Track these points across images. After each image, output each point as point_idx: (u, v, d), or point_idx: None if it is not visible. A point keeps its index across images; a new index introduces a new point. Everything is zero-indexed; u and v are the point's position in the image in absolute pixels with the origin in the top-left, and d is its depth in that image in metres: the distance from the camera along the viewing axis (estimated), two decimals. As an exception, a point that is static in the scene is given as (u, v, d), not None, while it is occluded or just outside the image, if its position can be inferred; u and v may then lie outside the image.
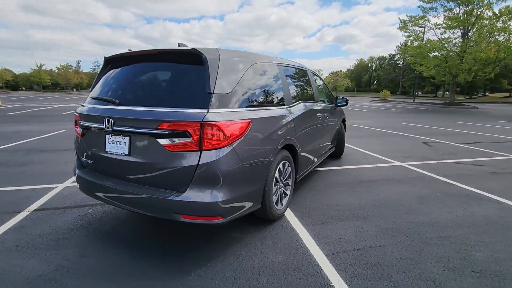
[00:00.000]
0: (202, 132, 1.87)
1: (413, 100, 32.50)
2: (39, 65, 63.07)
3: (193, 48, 2.07)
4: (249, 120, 2.17)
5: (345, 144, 6.38)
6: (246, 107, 2.25)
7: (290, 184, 3.00)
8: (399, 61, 56.62)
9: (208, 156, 1.89)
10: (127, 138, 2.09)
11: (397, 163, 4.99)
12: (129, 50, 2.41)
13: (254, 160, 2.21)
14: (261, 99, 2.50)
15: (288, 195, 2.98)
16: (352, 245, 2.35)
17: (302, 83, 3.65)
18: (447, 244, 2.39)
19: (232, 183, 2.02)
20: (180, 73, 2.13)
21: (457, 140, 7.55)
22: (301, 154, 3.19)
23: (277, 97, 2.79)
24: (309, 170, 3.75)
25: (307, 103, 3.49)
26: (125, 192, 2.09)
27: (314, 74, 4.32)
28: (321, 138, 4.02)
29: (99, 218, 2.79)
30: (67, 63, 71.36)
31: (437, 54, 24.60)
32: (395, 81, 65.74)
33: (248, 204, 2.26)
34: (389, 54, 68.34)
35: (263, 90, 2.57)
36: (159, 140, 1.94)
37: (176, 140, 1.90)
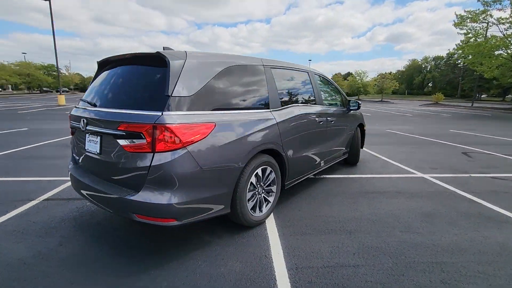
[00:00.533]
0: (154, 134, 1.89)
1: (472, 104, 29.03)
2: None
3: (157, 52, 2.11)
4: (213, 123, 2.14)
5: (369, 152, 5.97)
6: (212, 109, 2.21)
7: (274, 190, 2.88)
8: (458, 61, 51.07)
9: (160, 158, 1.91)
10: (99, 138, 2.22)
11: (419, 175, 4.49)
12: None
13: (219, 164, 2.17)
14: (234, 101, 2.44)
15: (271, 202, 2.87)
16: (322, 261, 2.17)
17: (299, 86, 3.49)
18: (437, 271, 2.07)
19: (188, 186, 2.01)
20: (145, 76, 2.19)
21: (509, 151, 6.53)
22: (292, 160, 3.05)
23: (258, 100, 2.70)
24: (307, 177, 3.57)
25: (304, 107, 3.33)
26: (98, 191, 2.20)
27: (321, 76, 4.11)
28: (327, 142, 3.81)
29: (92, 212, 3.00)
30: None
31: (502, 52, 21.62)
32: (453, 83, 59.59)
33: (215, 207, 2.23)
34: (446, 54, 62.08)
35: (238, 92, 2.51)
36: (118, 140, 2.02)
37: (133, 141, 1.95)
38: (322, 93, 3.94)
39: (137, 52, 2.23)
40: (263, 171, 2.69)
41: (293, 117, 3.07)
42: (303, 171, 3.39)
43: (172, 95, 2.00)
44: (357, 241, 2.48)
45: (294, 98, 3.28)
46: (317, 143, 3.60)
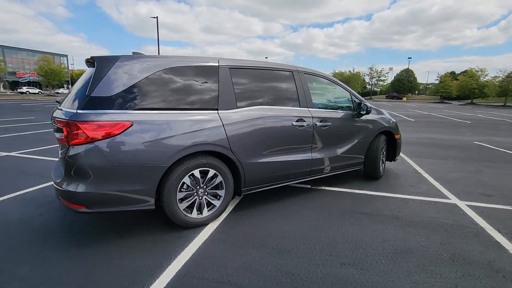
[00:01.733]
0: (68, 129, 2.14)
1: None
2: None
3: (91, 57, 2.36)
4: (129, 122, 2.25)
5: (413, 165, 5.05)
6: (135, 109, 2.32)
7: (222, 195, 2.79)
8: None
9: (71, 150, 2.15)
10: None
11: (452, 201, 3.48)
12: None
13: (135, 162, 2.26)
14: (167, 102, 2.47)
15: (217, 206, 2.78)
16: (214, 274, 2.00)
17: (273, 87, 3.22)
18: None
19: (96, 178, 2.18)
20: (87, 78, 2.46)
21: None
22: (253, 165, 2.87)
23: (201, 101, 2.65)
24: (288, 184, 3.29)
25: (276, 109, 3.08)
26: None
27: (319, 76, 3.68)
28: (318, 149, 3.43)
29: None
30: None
31: None
32: None
33: (135, 202, 2.34)
34: None
35: (174, 93, 2.53)
36: (56, 134, 2.36)
37: (60, 135, 2.25)
38: (314, 95, 3.53)
39: (92, 56, 2.53)
40: (204, 173, 2.64)
41: (254, 119, 2.88)
42: (274, 178, 3.14)
43: (91, 95, 2.21)
44: (277, 262, 2.16)
45: (261, 100, 3.06)
46: (298, 149, 3.26)
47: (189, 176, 2.55)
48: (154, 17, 24.66)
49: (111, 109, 2.24)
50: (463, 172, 4.78)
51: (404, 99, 53.03)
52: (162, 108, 2.45)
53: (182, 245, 2.38)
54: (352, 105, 3.90)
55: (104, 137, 2.17)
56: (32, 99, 31.12)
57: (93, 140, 2.14)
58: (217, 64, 2.80)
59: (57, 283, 1.89)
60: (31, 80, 64.18)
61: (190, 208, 2.64)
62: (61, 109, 2.39)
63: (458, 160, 5.70)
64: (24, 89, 50.63)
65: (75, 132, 2.12)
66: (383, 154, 4.34)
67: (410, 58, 66.70)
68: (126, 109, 2.29)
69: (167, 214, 2.52)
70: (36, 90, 53.20)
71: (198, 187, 2.65)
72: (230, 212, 3.06)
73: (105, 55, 2.44)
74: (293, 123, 3.16)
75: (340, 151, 3.70)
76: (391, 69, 73.84)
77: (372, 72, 63.50)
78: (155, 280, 1.93)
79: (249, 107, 2.91)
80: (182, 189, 2.55)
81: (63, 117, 2.21)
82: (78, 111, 2.17)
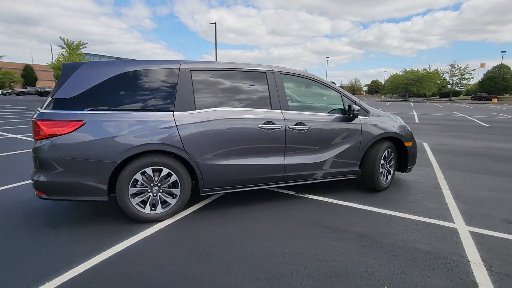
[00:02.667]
0: (33, 126, 2.50)
1: None
2: None
3: (63, 63, 2.70)
4: (82, 122, 2.50)
5: (440, 179, 4.36)
6: (89, 109, 2.57)
7: (177, 193, 2.87)
8: None
9: (35, 145, 2.50)
10: None
11: (454, 225, 2.86)
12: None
13: (85, 157, 2.51)
14: (121, 103, 2.66)
15: (172, 204, 2.88)
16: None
17: (240, 88, 3.13)
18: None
19: (51, 170, 2.49)
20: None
21: None
22: (212, 166, 2.89)
23: (156, 103, 2.76)
24: (259, 188, 3.21)
25: (240, 111, 3.02)
26: None
27: (301, 77, 3.43)
28: (295, 153, 3.24)
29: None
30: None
31: None
32: None
33: (88, 194, 2.59)
34: None
35: (129, 95, 2.70)
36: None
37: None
38: (298, 97, 3.34)
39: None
40: (157, 171, 2.76)
41: (213, 121, 2.88)
42: (238, 181, 3.08)
43: (54, 97, 2.54)
44: (196, 267, 2.13)
45: (225, 101, 3.02)
46: (267, 153, 3.13)
47: (141, 173, 2.71)
48: (213, 23, 26.31)
49: (68, 110, 2.53)
50: (502, 191, 3.86)
51: (494, 100, 44.61)
52: (116, 109, 2.65)
53: (124, 237, 2.54)
54: (342, 108, 3.54)
55: (59, 134, 2.47)
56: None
57: (50, 136, 2.46)
58: (178, 67, 2.88)
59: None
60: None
61: (144, 203, 2.79)
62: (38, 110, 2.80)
63: (510, 176, 4.62)
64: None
65: (37, 129, 2.47)
66: (388, 163, 3.82)
67: (505, 51, 55.32)
68: (82, 109, 2.56)
69: (121, 207, 2.72)
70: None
71: (152, 184, 2.78)
72: (193, 211, 3.12)
73: (71, 62, 2.76)
74: (259, 125, 3.04)
75: (323, 157, 3.39)
76: (482, 65, 62.96)
77: (453, 69, 55.35)
78: (73, 267, 2.11)
79: (209, 109, 2.91)
80: (136, 185, 2.71)
81: (32, 116, 2.59)
82: (41, 110, 2.52)
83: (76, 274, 2.03)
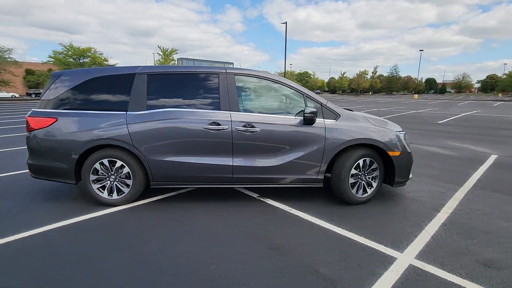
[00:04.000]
0: (26, 121, 3.27)
1: None
2: (342, 73, 78.90)
3: (52, 72, 3.41)
4: (54, 118, 3.13)
5: (452, 198, 3.67)
6: (63, 109, 3.17)
7: (130, 184, 3.25)
8: None
9: (27, 135, 3.26)
10: None
11: (399, 254, 2.35)
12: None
13: (56, 146, 3.14)
14: (88, 103, 3.18)
15: (125, 192, 3.27)
16: (55, 240, 2.56)
17: (190, 90, 3.28)
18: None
19: (35, 155, 3.20)
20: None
21: None
22: (159, 162, 3.17)
23: (115, 103, 3.18)
24: (208, 186, 3.35)
25: (185, 111, 3.18)
26: None
27: (259, 77, 3.33)
28: (243, 155, 3.21)
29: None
30: (365, 70, 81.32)
31: None
32: None
33: (61, 176, 3.23)
34: None
35: (94, 96, 3.20)
36: None
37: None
38: (245, 98, 3.29)
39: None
40: (111, 163, 3.20)
41: (160, 120, 3.14)
42: (186, 178, 3.26)
43: (41, 98, 3.26)
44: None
45: (175, 102, 3.23)
46: (213, 153, 3.20)
47: (99, 163, 3.20)
48: (283, 23, 26.47)
49: (47, 109, 3.21)
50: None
51: None
52: (82, 109, 3.20)
53: (70, 215, 3.05)
54: (303, 110, 3.27)
55: (39, 128, 3.16)
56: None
57: (33, 129, 3.18)
58: (134, 72, 3.26)
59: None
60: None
61: (103, 189, 3.28)
62: None
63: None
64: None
65: (27, 123, 3.23)
66: (367, 173, 3.34)
67: None
68: (56, 109, 3.20)
69: (85, 191, 3.28)
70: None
71: (109, 173, 3.25)
72: (152, 201, 3.45)
73: (58, 71, 3.45)
74: (204, 126, 3.14)
75: (278, 162, 3.24)
76: None
77: None
78: (43, 226, 2.71)
79: (159, 109, 3.18)
80: (97, 173, 3.22)
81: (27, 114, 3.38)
82: (32, 109, 3.27)
83: (42, 231, 2.63)
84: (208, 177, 3.27)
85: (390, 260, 2.27)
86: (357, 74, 76.70)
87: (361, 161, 3.29)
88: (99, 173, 3.23)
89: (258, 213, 3.17)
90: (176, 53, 38.57)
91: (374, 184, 3.43)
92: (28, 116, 3.23)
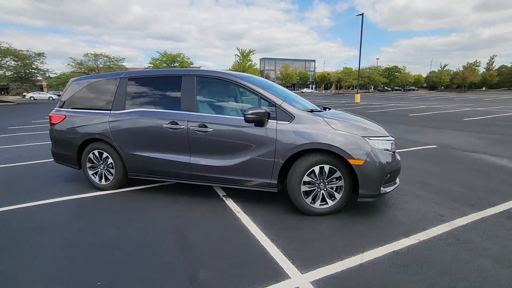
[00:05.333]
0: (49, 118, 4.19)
1: None
2: (442, 66, 67.32)
3: (71, 79, 4.24)
4: (64, 115, 3.93)
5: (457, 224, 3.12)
6: (71, 108, 3.95)
7: (113, 173, 3.81)
8: None
9: (49, 128, 4.18)
10: None
11: (295, 276, 2.09)
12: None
13: (64, 138, 3.95)
14: (87, 104, 3.87)
15: (110, 180, 3.84)
16: None
17: (158, 92, 3.57)
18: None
19: (55, 144, 4.08)
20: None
21: None
22: (132, 156, 3.61)
23: (103, 103, 3.77)
24: (171, 181, 3.63)
25: (152, 111, 3.52)
26: None
27: (219, 78, 3.37)
28: (198, 154, 3.36)
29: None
30: (475, 61, 66.93)
31: None
32: None
33: (70, 163, 4.05)
34: None
35: (91, 98, 3.86)
36: None
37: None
38: (203, 98, 3.39)
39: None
40: (100, 154, 3.82)
41: (131, 118, 3.57)
42: (153, 171, 3.60)
43: (61, 100, 4.13)
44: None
45: (146, 103, 3.60)
46: (174, 150, 3.44)
47: (92, 153, 3.86)
48: (359, 15, 24.25)
49: (61, 108, 4.05)
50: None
51: None
52: (82, 108, 3.91)
53: (80, 193, 3.77)
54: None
55: (56, 123, 4.03)
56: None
57: (53, 124, 4.06)
58: (119, 77, 3.78)
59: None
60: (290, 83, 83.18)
61: (95, 175, 3.94)
62: None
63: None
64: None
65: (50, 119, 4.14)
66: (329, 182, 3.00)
67: None
68: (67, 108, 4.01)
69: (85, 175, 4.00)
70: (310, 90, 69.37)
71: (99, 162, 3.88)
72: (134, 189, 3.92)
73: (73, 78, 4.26)
74: (164, 125, 3.41)
75: (230, 162, 3.23)
76: None
77: None
78: (59, 197, 3.54)
79: (132, 109, 3.62)
80: (93, 162, 3.90)
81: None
82: (55, 108, 4.17)
83: (55, 200, 3.45)
84: (170, 172, 3.53)
85: (280, 278, 2.05)
86: (463, 66, 63.69)
87: (317, 168, 2.97)
88: (93, 162, 3.89)
89: (206, 211, 3.25)
90: (253, 53, 40.41)
91: (338, 195, 3.04)
92: (51, 113, 4.15)
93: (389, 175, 3.01)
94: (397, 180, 3.34)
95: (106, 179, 3.89)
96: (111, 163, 3.78)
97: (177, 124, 3.36)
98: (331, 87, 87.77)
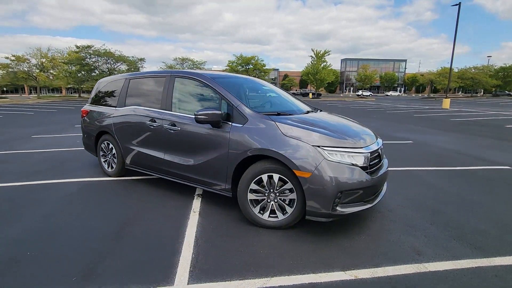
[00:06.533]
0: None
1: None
2: None
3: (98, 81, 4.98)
4: (88, 111, 4.66)
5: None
6: (92, 105, 4.65)
7: (116, 162, 4.33)
8: None
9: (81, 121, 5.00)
10: None
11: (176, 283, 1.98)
12: None
13: (86, 129, 4.69)
14: (103, 100, 4.49)
15: (114, 167, 4.37)
16: None
17: (148, 91, 3.82)
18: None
19: (83, 135, 4.87)
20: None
21: None
22: (127, 148, 4.04)
23: (112, 101, 4.30)
24: (155, 175, 3.88)
25: (139, 109, 3.83)
26: None
27: (191, 78, 3.43)
28: (170, 153, 3.53)
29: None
30: None
31: None
32: None
33: (92, 151, 4.79)
34: None
35: (103, 96, 4.47)
36: None
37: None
38: (179, 98, 3.51)
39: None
40: (108, 145, 4.38)
41: (125, 115, 4.00)
42: (143, 165, 3.92)
43: (91, 97, 4.91)
44: None
45: (138, 101, 3.93)
46: (155, 146, 3.68)
47: (102, 144, 4.47)
48: (456, 4, 20.15)
49: (87, 104, 4.81)
50: None
51: None
52: (99, 105, 4.56)
53: (83, 176, 4.45)
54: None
55: (83, 116, 4.81)
56: (346, 101, 38.71)
57: (82, 117, 4.86)
58: (125, 78, 4.26)
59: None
60: (372, 85, 76.92)
61: (105, 162, 4.54)
62: None
63: None
64: (360, 92, 63.01)
65: (81, 113, 4.96)
66: (280, 193, 2.74)
67: None
68: (91, 104, 4.73)
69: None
70: (368, 93, 64.23)
71: (107, 152, 4.45)
72: (129, 179, 4.38)
73: (101, 79, 4.98)
74: (146, 121, 3.68)
75: (192, 162, 3.28)
76: None
77: None
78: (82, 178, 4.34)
79: (127, 107, 4.03)
80: (104, 151, 4.52)
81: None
82: (86, 104, 4.97)
83: (73, 181, 4.25)
84: (153, 167, 3.78)
85: (163, 283, 1.99)
86: None
87: (265, 176, 2.73)
88: (104, 151, 4.51)
89: (169, 206, 3.35)
90: (328, 54, 38.68)
91: (289, 209, 2.72)
92: (82, 109, 4.97)
93: (349, 193, 2.53)
94: (376, 200, 2.78)
95: (111, 167, 4.44)
96: (115, 153, 4.29)
97: (155, 121, 3.59)
98: (424, 90, 76.82)
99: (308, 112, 3.56)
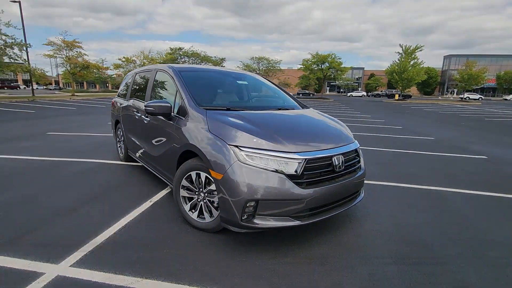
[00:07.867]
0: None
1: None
2: None
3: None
4: (114, 102, 5.30)
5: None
6: (117, 97, 5.26)
7: (122, 146, 4.81)
8: None
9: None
10: None
11: (53, 267, 2.04)
12: None
13: (112, 118, 5.34)
14: (120, 93, 5.03)
15: (123, 153, 4.87)
16: None
17: (142, 84, 4.03)
18: None
19: (114, 124, 5.59)
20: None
21: None
22: (129, 138, 4.45)
23: (125, 93, 4.77)
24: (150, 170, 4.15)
25: (133, 101, 4.15)
26: None
27: (167, 73, 3.45)
28: (148, 144, 3.72)
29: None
30: None
31: None
32: None
33: (114, 135, 5.46)
34: None
35: (123, 89, 4.97)
36: None
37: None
38: (159, 91, 3.61)
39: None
40: (120, 132, 4.90)
41: (126, 106, 4.38)
42: (134, 152, 4.27)
43: (117, 91, 5.56)
44: None
45: (135, 94, 4.24)
46: (138, 136, 3.94)
47: (118, 130, 5.03)
48: None
49: (115, 97, 5.45)
50: None
51: None
52: (120, 96, 5.12)
53: (102, 158, 5.08)
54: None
55: (112, 107, 5.49)
56: (457, 105, 32.85)
57: (111, 107, 5.56)
58: (134, 72, 4.66)
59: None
60: (485, 86, 63.86)
61: (119, 148, 5.08)
62: None
63: None
64: (466, 94, 53.03)
65: (111, 104, 5.66)
66: (202, 192, 2.59)
67: None
68: (116, 97, 5.36)
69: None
70: (477, 96, 53.41)
71: (119, 139, 4.98)
72: (138, 164, 4.79)
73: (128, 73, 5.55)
74: (135, 113, 3.96)
75: (154, 153, 3.39)
76: None
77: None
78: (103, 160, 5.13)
79: (130, 98, 4.40)
80: (118, 137, 5.09)
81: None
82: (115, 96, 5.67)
83: (92, 161, 5.04)
84: (140, 157, 4.05)
85: (27, 276, 2.11)
86: None
87: (193, 174, 2.59)
88: (118, 137, 5.07)
89: (134, 192, 3.50)
90: (421, 50, 33.29)
91: (215, 212, 2.51)
92: (112, 100, 5.68)
93: (269, 204, 2.15)
94: (315, 218, 2.30)
95: (122, 152, 4.96)
96: (124, 140, 4.78)
97: (138, 112, 3.83)
98: None
99: (285, 109, 3.22)
